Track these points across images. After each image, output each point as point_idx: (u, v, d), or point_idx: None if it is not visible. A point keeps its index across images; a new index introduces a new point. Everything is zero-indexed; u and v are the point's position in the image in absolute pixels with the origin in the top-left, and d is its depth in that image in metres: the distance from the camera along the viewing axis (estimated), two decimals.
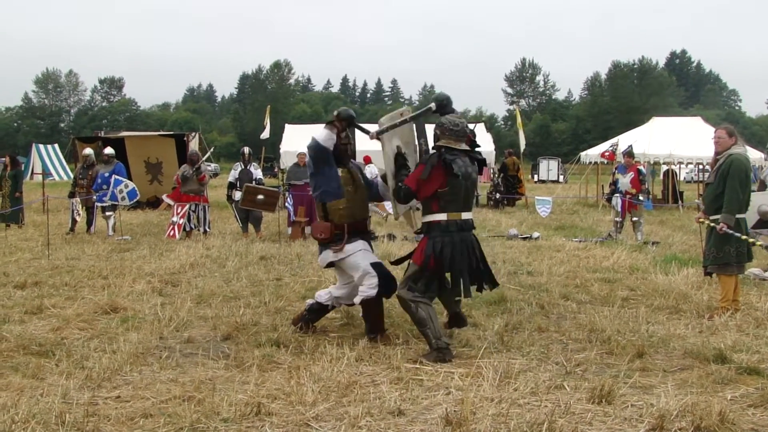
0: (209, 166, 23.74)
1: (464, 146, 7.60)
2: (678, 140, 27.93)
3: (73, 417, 5.42)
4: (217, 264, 13.12)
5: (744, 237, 8.80)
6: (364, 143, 28.52)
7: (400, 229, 19.29)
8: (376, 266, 7.80)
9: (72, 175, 22.63)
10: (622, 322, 8.46)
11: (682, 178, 33.03)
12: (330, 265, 8.05)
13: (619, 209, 17.70)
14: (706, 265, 9.30)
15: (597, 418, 5.50)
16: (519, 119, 33.70)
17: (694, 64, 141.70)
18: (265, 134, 29.80)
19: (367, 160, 25.64)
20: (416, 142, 8.14)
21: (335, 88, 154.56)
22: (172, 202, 17.98)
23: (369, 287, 7.71)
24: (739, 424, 5.36)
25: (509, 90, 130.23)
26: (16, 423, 5.26)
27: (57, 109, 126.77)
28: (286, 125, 32.97)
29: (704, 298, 9.72)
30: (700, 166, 26.62)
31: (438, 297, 7.86)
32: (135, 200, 18.77)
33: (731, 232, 8.71)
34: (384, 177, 8.14)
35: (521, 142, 31.06)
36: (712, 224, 8.94)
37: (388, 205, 21.13)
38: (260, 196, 16.92)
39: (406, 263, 7.92)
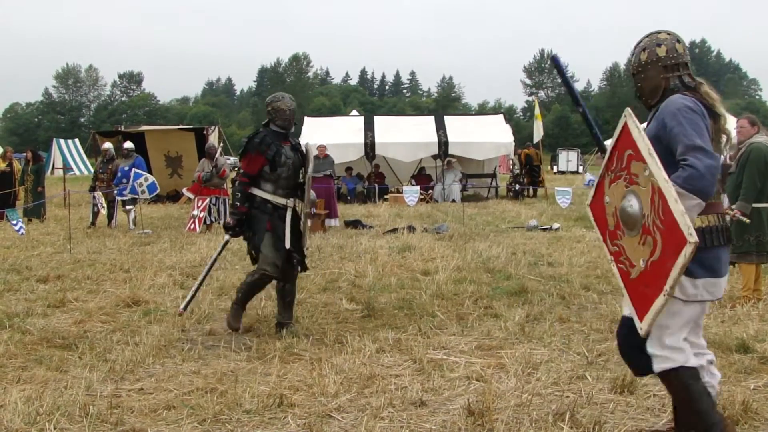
0: (228, 159, 23.76)
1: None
2: None
3: (97, 409, 5.45)
4: (238, 257, 13.14)
5: (747, 221, 8.72)
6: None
7: (420, 221, 19.29)
8: None
9: (92, 170, 22.75)
10: None
11: None
12: None
13: None
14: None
15: (619, 408, 5.49)
16: (537, 110, 33.65)
17: (714, 53, 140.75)
18: None
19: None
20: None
21: (354, 81, 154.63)
22: (192, 196, 18.07)
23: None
24: (762, 413, 5.34)
25: (528, 81, 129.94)
26: (40, 415, 5.30)
27: (77, 104, 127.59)
28: (305, 118, 33.03)
29: (726, 288, 9.66)
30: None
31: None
32: (155, 194, 18.85)
33: (744, 219, 8.63)
34: None
35: (536, 133, 31.17)
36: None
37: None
38: None
39: None
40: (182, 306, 8.01)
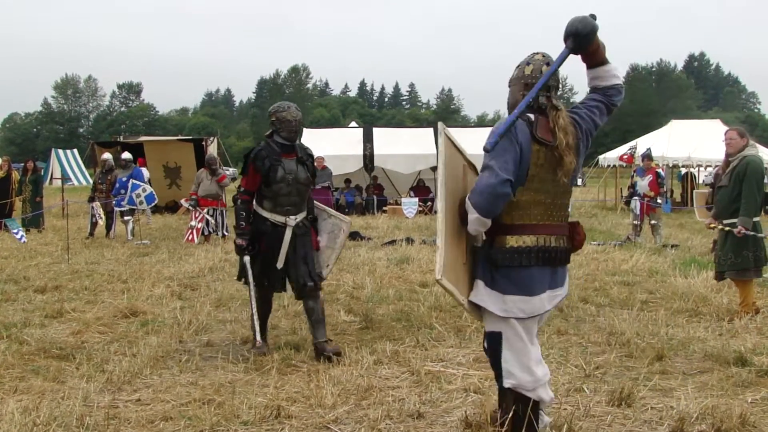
0: (227, 170, 23.66)
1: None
2: (697, 143, 27.82)
3: (94, 420, 5.45)
4: (236, 268, 13.11)
5: (761, 235, 8.74)
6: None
7: (418, 233, 19.29)
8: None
9: (91, 180, 22.76)
10: (642, 325, 8.43)
11: (701, 181, 32.90)
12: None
13: (638, 212, 17.63)
14: (723, 271, 9.16)
15: (617, 420, 5.49)
16: None
17: (713, 66, 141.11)
18: None
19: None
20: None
21: (353, 93, 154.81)
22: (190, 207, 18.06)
23: None
24: (759, 426, 5.34)
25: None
26: (37, 426, 5.29)
27: (76, 115, 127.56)
28: (304, 129, 33.08)
29: (724, 301, 9.67)
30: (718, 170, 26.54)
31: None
32: (153, 204, 18.86)
33: (752, 233, 8.65)
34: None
35: None
36: (727, 228, 8.86)
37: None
38: None
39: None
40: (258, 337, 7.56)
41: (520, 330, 4.64)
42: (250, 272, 7.49)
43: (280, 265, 7.46)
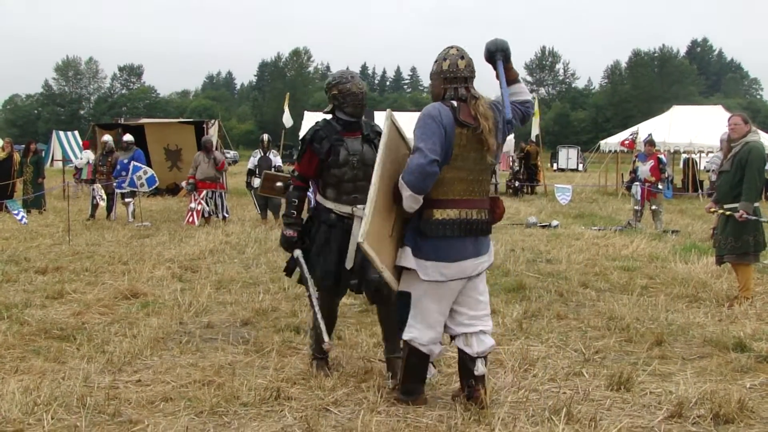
0: (228, 153, 23.62)
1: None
2: (698, 129, 27.76)
3: (95, 400, 5.46)
4: (237, 250, 13.16)
5: (764, 220, 8.74)
6: None
7: None
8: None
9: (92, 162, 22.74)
10: (641, 310, 8.45)
11: (702, 167, 32.82)
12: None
13: (639, 198, 17.61)
14: (722, 255, 9.16)
15: (616, 405, 5.51)
16: (536, 108, 33.66)
17: (716, 52, 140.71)
18: (286, 120, 29.77)
19: None
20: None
21: None
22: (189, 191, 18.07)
23: None
24: (758, 412, 5.36)
25: (529, 78, 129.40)
26: (38, 405, 5.31)
27: (77, 97, 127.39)
28: (306, 112, 32.96)
29: (723, 287, 9.68)
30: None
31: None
32: (154, 186, 18.84)
33: (753, 218, 8.64)
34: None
35: (533, 130, 31.11)
36: (728, 213, 8.85)
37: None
38: (279, 183, 16.92)
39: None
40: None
41: (431, 293, 5.26)
42: (305, 268, 6.26)
43: (349, 265, 6.18)
